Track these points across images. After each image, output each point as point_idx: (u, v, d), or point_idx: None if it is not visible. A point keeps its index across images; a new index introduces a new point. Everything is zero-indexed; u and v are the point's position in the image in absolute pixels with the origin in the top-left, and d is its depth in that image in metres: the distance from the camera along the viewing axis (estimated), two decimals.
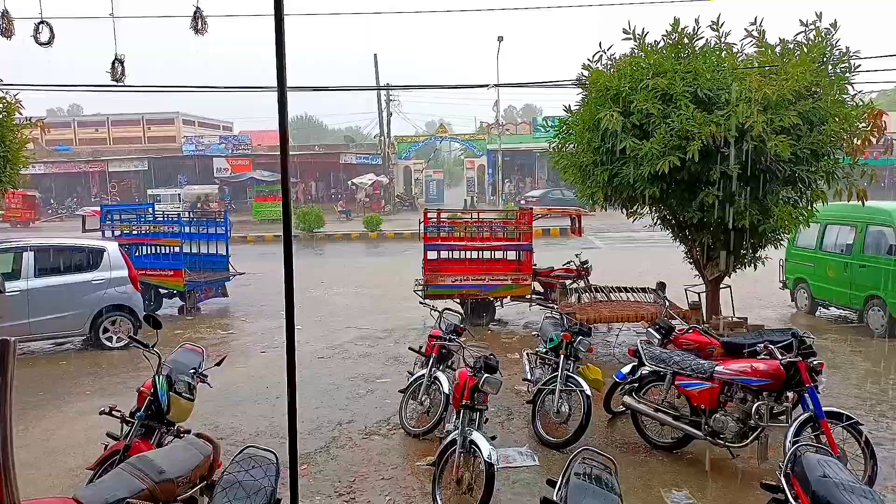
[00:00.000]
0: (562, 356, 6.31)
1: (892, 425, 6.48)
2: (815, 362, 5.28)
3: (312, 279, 16.00)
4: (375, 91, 39.78)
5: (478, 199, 41.16)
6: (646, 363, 6.08)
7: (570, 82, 11.40)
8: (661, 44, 8.66)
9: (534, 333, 8.61)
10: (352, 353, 9.79)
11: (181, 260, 12.40)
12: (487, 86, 14.00)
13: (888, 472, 5.37)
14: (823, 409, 5.12)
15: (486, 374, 5.06)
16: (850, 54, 8.11)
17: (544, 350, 6.92)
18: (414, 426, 6.50)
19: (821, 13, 8.14)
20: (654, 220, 9.50)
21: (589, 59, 9.16)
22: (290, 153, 3.17)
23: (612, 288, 10.11)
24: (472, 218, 12.04)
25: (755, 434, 5.35)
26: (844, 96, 8.15)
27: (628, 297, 9.92)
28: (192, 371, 5.10)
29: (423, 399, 6.46)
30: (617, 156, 8.41)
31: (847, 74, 8.17)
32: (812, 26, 8.20)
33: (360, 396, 7.79)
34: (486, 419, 5.44)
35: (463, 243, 11.41)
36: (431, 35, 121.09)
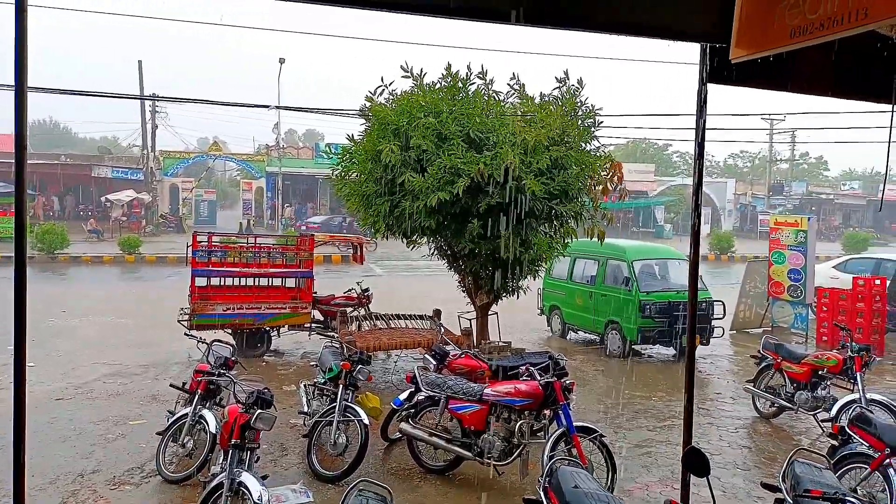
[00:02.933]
0: (340, 386, 6.22)
1: (627, 435, 7.44)
2: (567, 381, 5.88)
3: (53, 308, 13.88)
4: (139, 100, 36.24)
5: (254, 223, 39.49)
6: (422, 388, 6.24)
7: (353, 112, 11.55)
8: (438, 85, 9.20)
9: (312, 364, 8.37)
10: (99, 392, 8.62)
11: None
12: (269, 107, 13.54)
13: (625, 477, 6.12)
14: (574, 423, 5.70)
15: (258, 410, 4.77)
16: (595, 110, 9.34)
17: (323, 380, 6.77)
18: (173, 471, 5.87)
19: (567, 71, 9.29)
20: (431, 251, 9.95)
21: (371, 92, 9.41)
22: (30, 161, 2.70)
23: (391, 315, 10.29)
24: (248, 242, 11.47)
25: (518, 451, 5.77)
26: (590, 147, 9.38)
27: (407, 325, 10.17)
28: None
29: (185, 441, 5.87)
30: (397, 188, 8.69)
31: (592, 128, 9.41)
32: (564, 83, 9.31)
33: (108, 442, 6.86)
34: (258, 458, 5.12)
35: (237, 269, 10.79)
36: (207, 46, 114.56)
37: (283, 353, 11.10)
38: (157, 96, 33.58)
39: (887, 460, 4.67)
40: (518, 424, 5.73)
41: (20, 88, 2.38)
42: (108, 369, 9.70)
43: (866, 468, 4.83)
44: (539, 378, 5.85)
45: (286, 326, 10.93)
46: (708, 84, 4.19)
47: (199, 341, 7.00)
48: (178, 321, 10.21)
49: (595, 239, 9.38)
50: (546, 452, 5.55)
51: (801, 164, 58.43)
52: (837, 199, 53.43)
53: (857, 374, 6.89)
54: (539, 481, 3.95)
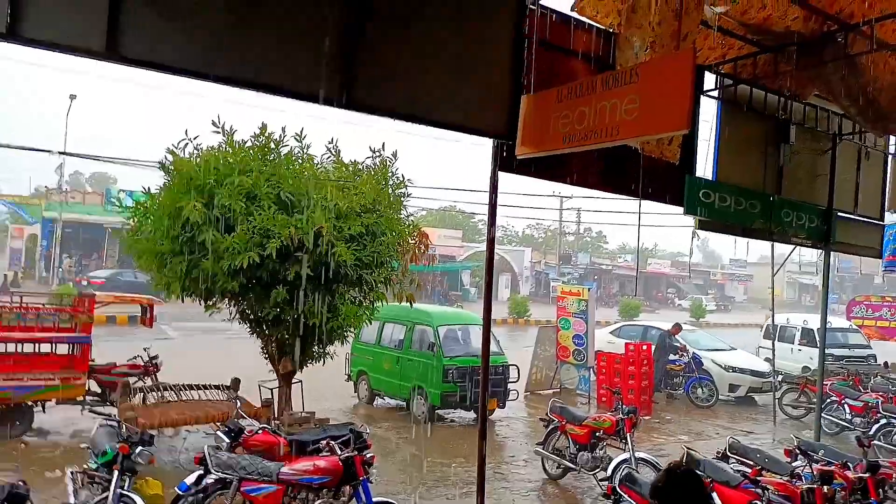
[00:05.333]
0: (115, 472, 5.53)
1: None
2: (368, 455, 5.84)
3: None
4: None
5: (24, 276, 34.54)
6: (212, 470, 5.78)
7: (152, 163, 10.80)
8: (249, 143, 8.98)
9: (83, 446, 7.38)
10: None
11: None
12: (51, 152, 12.09)
13: None
14: (374, 499, 5.63)
15: None
16: (405, 181, 9.70)
17: (95, 466, 5.97)
18: None
19: (384, 143, 9.64)
20: (233, 315, 9.43)
21: (174, 145, 8.90)
22: None
23: (182, 385, 9.44)
24: (11, 302, 9.97)
25: None
26: (400, 215, 9.69)
27: (200, 396, 9.42)
28: None
29: None
30: (197, 247, 8.20)
31: (402, 198, 9.75)
32: (378, 153, 9.59)
33: None
34: None
35: None
36: None
37: (47, 433, 9.64)
38: None
39: None
40: None
41: None
42: None
43: None
44: (339, 453, 5.73)
45: (54, 400, 9.53)
46: (499, 172, 4.66)
47: None
48: None
49: (405, 302, 9.61)
50: None
51: (585, 238, 65.61)
52: (615, 270, 60.59)
53: (628, 434, 7.70)
54: None
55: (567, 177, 4.76)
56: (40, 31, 3.18)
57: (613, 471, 7.30)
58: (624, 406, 8.11)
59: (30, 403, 9.28)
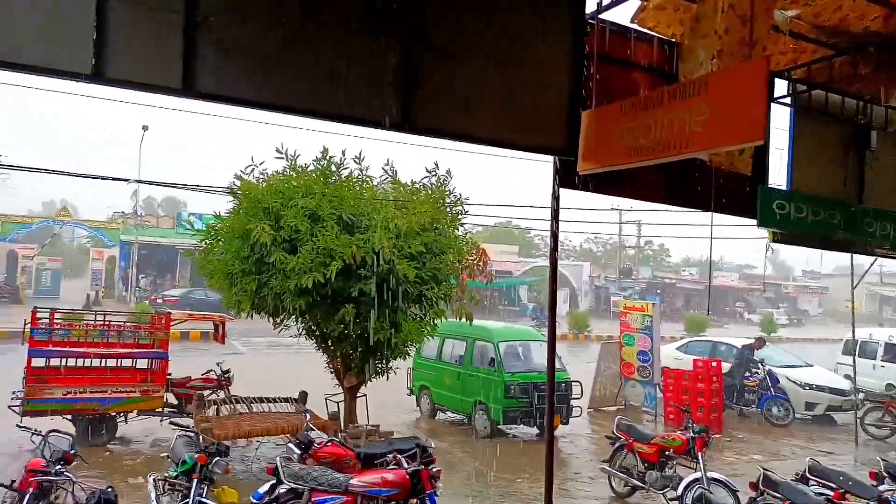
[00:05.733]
0: (194, 480, 5.79)
1: None
2: (434, 469, 5.91)
3: None
4: None
5: (104, 295, 36.44)
6: (284, 481, 5.97)
7: (221, 189, 11.30)
8: (311, 167, 9.29)
9: (163, 455, 7.74)
10: None
11: None
12: (129, 180, 12.81)
13: None
14: None
15: None
16: (462, 199, 9.81)
17: (174, 474, 6.26)
18: None
19: (437, 162, 9.74)
20: (300, 331, 9.71)
21: (242, 171, 9.31)
22: None
23: (253, 399, 9.79)
24: (96, 319, 10.58)
25: None
26: (458, 232, 9.80)
27: (270, 409, 9.72)
28: None
29: None
30: (265, 267, 8.52)
31: (460, 216, 9.85)
32: (434, 173, 9.73)
33: None
34: None
35: (81, 350, 9.86)
36: (51, 105, 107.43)
37: (130, 442, 10.15)
38: None
39: None
40: None
41: None
42: None
43: None
44: (406, 466, 5.81)
45: (135, 412, 10.05)
46: (560, 188, 4.69)
47: (32, 433, 6.27)
48: (9, 407, 9.11)
49: (464, 320, 9.68)
50: None
51: (646, 251, 64.16)
52: (679, 284, 58.96)
53: (699, 454, 7.48)
54: None
55: (629, 191, 4.75)
56: (122, 72, 3.42)
57: (684, 490, 7.11)
58: (695, 424, 7.90)
59: (113, 414, 9.82)
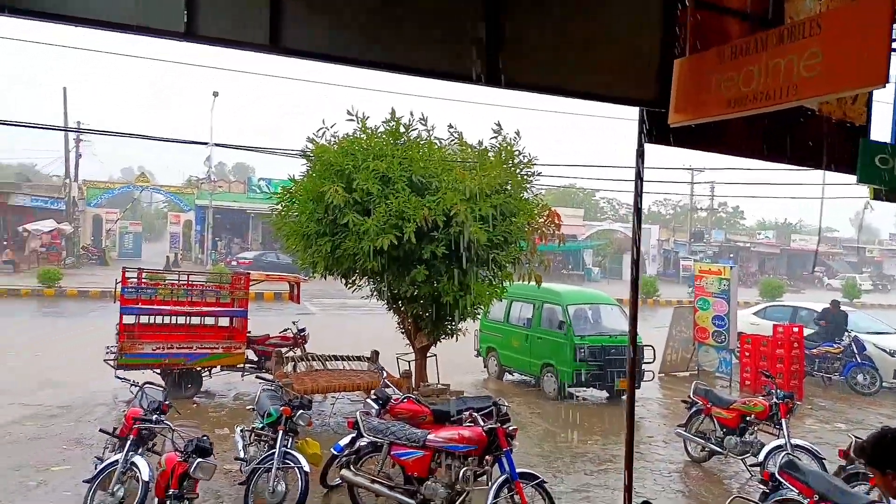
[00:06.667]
0: (280, 432, 6.05)
1: (565, 479, 7.52)
2: (510, 428, 5.94)
3: None
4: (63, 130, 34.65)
5: (182, 257, 38.17)
6: (364, 434, 6.15)
7: (294, 152, 11.48)
8: (381, 129, 9.28)
9: (248, 407, 8.10)
10: (17, 435, 8.06)
11: None
12: (206, 143, 13.20)
13: None
14: (517, 470, 5.73)
15: (198, 459, 4.59)
16: (532, 160, 9.59)
17: (261, 426, 6.56)
18: None
19: (499, 122, 9.51)
20: (371, 292, 9.88)
21: (314, 134, 9.40)
22: None
23: (328, 356, 10.11)
24: (179, 280, 11.08)
25: (461, 498, 5.74)
26: (527, 195, 9.63)
27: (344, 366, 10.01)
28: None
29: (115, 489, 5.51)
30: (339, 228, 8.65)
31: (529, 178, 9.67)
32: (500, 133, 9.52)
33: (28, 490, 6.42)
34: None
35: (168, 308, 10.38)
36: (133, 76, 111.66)
37: (214, 395, 10.69)
38: (82, 128, 32.30)
39: None
40: (462, 471, 5.70)
41: None
42: (26, 411, 9.10)
43: None
44: (482, 424, 5.87)
45: (219, 367, 10.55)
46: (646, 144, 4.50)
47: (131, 385, 6.67)
48: (105, 361, 9.72)
49: (532, 282, 9.60)
50: (489, 500, 5.57)
51: (720, 213, 61.73)
52: (753, 248, 56.65)
53: (783, 420, 7.24)
54: None
55: (722, 146, 4.51)
56: (211, 28, 3.47)
57: (767, 456, 6.91)
58: (780, 390, 7.64)
59: (199, 369, 10.35)
